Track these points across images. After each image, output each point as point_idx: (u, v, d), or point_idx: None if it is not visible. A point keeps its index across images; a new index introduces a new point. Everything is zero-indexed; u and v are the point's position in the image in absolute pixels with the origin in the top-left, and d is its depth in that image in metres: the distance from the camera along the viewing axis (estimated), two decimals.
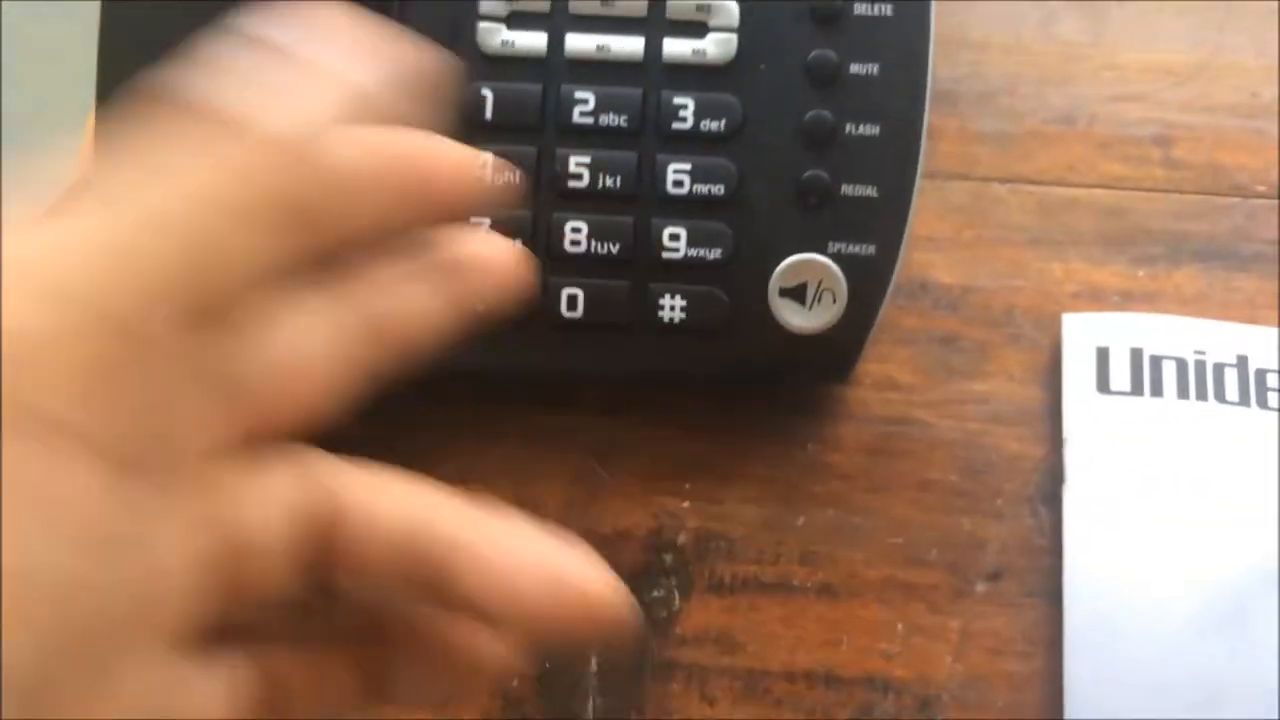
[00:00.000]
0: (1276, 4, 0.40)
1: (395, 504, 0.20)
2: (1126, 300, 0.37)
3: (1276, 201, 0.38)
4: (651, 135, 0.34)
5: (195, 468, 0.18)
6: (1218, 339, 0.35)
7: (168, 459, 0.17)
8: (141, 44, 0.30)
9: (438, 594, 0.20)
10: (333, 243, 0.20)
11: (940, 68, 0.39)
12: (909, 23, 0.34)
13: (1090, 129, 0.39)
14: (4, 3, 1.03)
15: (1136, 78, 0.40)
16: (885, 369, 0.36)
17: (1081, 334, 0.36)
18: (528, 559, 0.20)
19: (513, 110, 0.34)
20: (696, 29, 0.34)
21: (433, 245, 0.22)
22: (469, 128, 0.33)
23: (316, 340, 0.20)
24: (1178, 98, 0.40)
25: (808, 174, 0.33)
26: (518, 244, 0.22)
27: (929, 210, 0.38)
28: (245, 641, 0.19)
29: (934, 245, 0.38)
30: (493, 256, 0.22)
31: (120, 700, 0.16)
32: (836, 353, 0.34)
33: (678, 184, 0.33)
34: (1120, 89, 0.40)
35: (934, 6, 0.34)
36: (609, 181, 0.33)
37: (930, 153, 0.39)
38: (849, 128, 0.33)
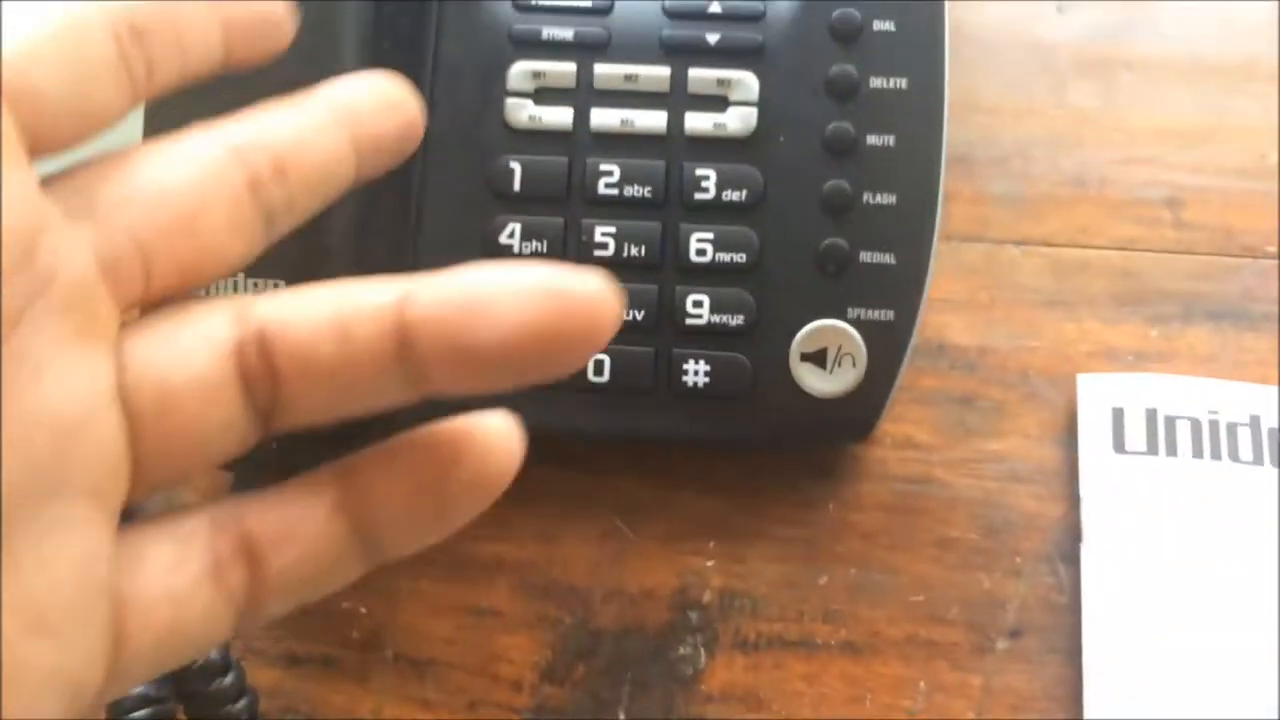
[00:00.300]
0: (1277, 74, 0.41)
1: (319, 299, 0.19)
2: (1140, 360, 0.38)
3: None
4: (675, 205, 0.35)
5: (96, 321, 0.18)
6: (1230, 399, 0.36)
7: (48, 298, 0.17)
8: None
9: (407, 376, 0.19)
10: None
11: (954, 132, 0.40)
12: (923, 94, 0.35)
13: (1101, 191, 0.40)
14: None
15: (1146, 141, 0.41)
16: (904, 429, 0.37)
17: (1096, 394, 0.36)
18: (483, 283, 0.18)
19: (540, 182, 0.35)
20: (717, 103, 0.35)
21: (326, 92, 0.21)
22: (497, 198, 0.35)
23: (201, 174, 0.19)
24: (1187, 160, 0.41)
25: (827, 242, 0.34)
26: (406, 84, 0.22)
27: (945, 272, 0.39)
28: (203, 509, 0.19)
29: (950, 307, 0.39)
30: (387, 94, 0.21)
31: (48, 569, 0.17)
32: (857, 416, 0.35)
33: (700, 253, 0.34)
34: (1130, 152, 0.41)
35: (948, 78, 0.35)
36: (634, 250, 0.34)
37: (945, 215, 0.40)
38: (867, 197, 0.34)
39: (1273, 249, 0.39)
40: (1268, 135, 0.41)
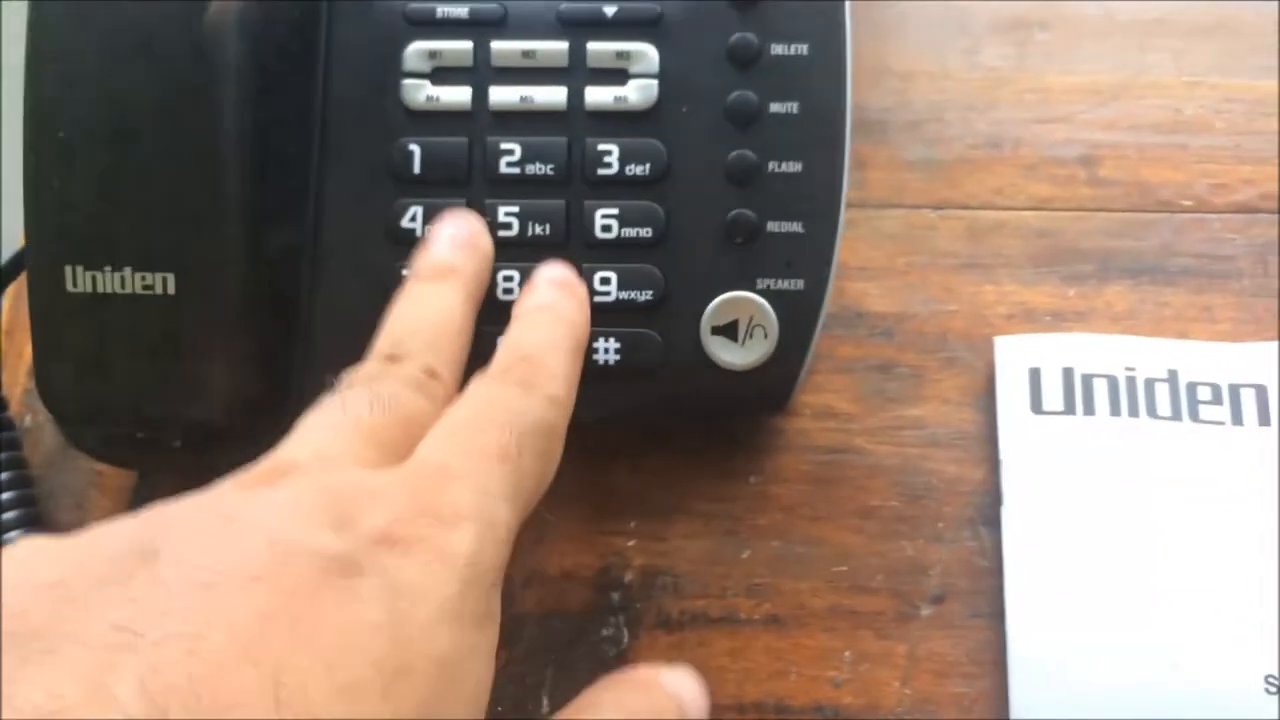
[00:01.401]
0: (1196, 23, 0.41)
1: None
2: (1058, 320, 0.38)
3: (1200, 216, 0.39)
4: (578, 182, 0.34)
5: None
6: (1147, 355, 0.36)
7: None
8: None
9: None
10: None
11: (868, 98, 0.40)
12: (825, 59, 0.34)
13: (1016, 152, 0.40)
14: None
15: (1060, 100, 0.41)
16: (823, 399, 0.37)
17: (1014, 356, 0.36)
18: None
19: (440, 164, 0.34)
20: (617, 76, 0.34)
21: None
22: (397, 182, 0.34)
23: None
24: (1101, 118, 0.40)
25: (734, 213, 0.34)
26: None
27: (862, 240, 0.39)
28: None
29: (868, 274, 0.39)
30: None
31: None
32: (772, 387, 0.34)
33: (606, 229, 0.34)
34: (1044, 112, 0.41)
35: (850, 43, 0.35)
36: (538, 229, 0.34)
37: (861, 182, 0.40)
38: (772, 165, 0.34)
39: (1188, 203, 0.39)
40: (1181, 89, 0.41)
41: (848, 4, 0.35)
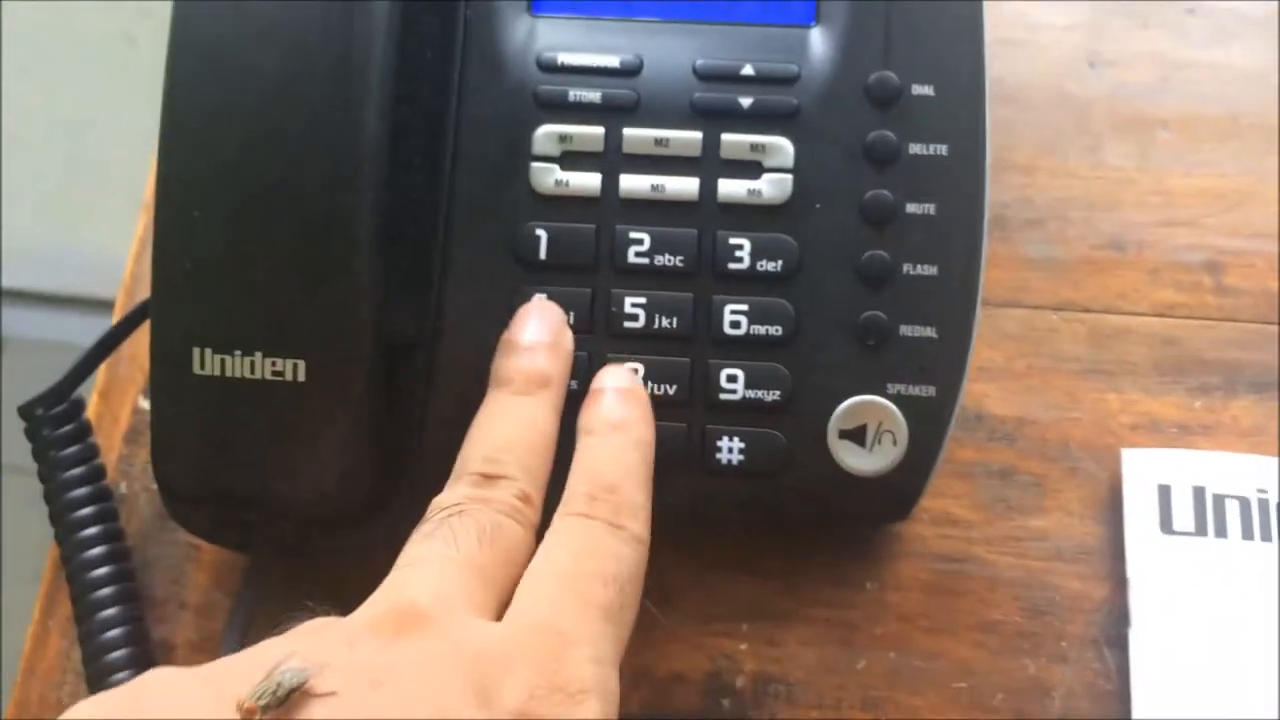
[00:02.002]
0: None
1: None
2: (1184, 433, 0.37)
3: None
4: (707, 276, 0.33)
5: None
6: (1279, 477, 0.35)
7: None
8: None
9: None
10: None
11: (991, 197, 0.39)
12: (964, 161, 0.34)
13: (1140, 255, 0.39)
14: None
15: (1184, 202, 0.40)
16: (942, 504, 0.36)
17: (1142, 471, 0.35)
18: None
19: (567, 250, 0.33)
20: (751, 169, 0.34)
21: None
22: (523, 267, 0.33)
23: None
24: (1226, 223, 0.40)
25: (866, 314, 0.33)
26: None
27: (981, 338, 0.38)
28: None
29: (988, 375, 0.38)
30: None
31: None
32: (897, 494, 0.33)
33: (734, 325, 0.33)
34: (1168, 214, 0.40)
35: (989, 144, 0.34)
36: (665, 322, 0.33)
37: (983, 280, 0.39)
38: (906, 267, 0.33)
39: None
40: None
41: (987, 104, 0.34)
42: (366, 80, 0.31)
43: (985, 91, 0.34)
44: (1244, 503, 0.34)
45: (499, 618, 0.26)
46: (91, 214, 1.05)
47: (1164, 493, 0.35)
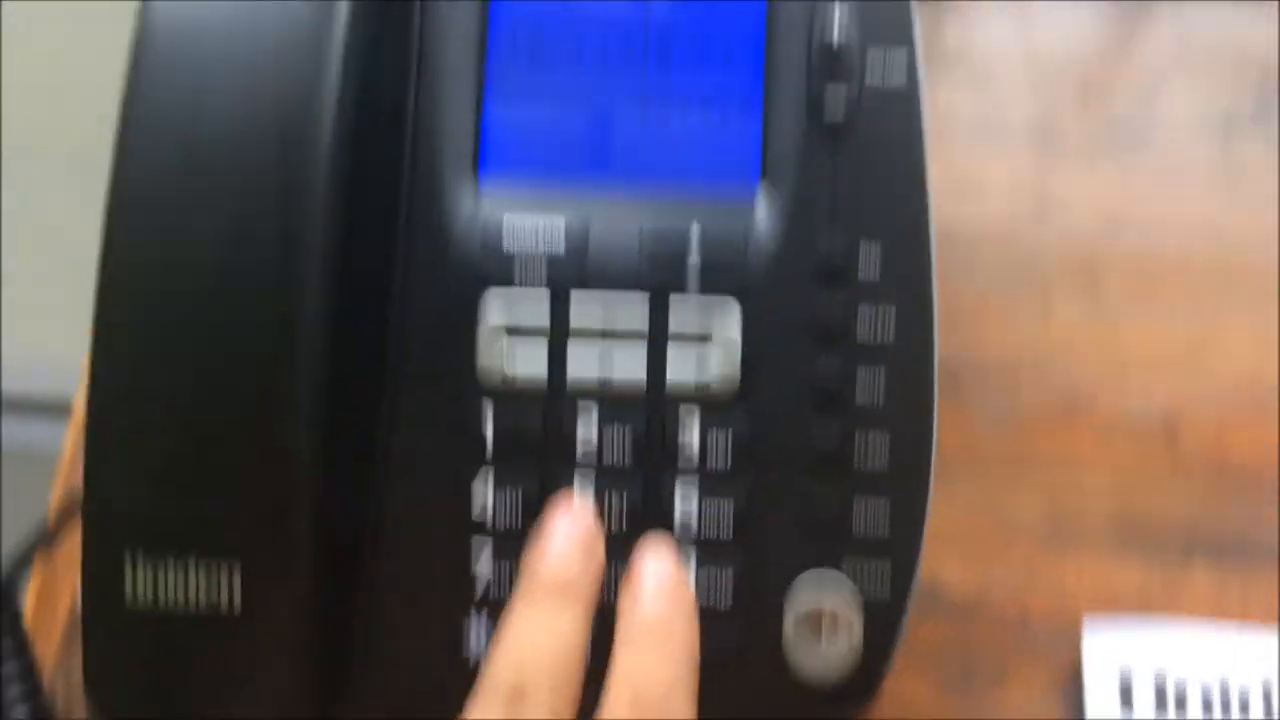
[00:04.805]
0: (1273, 283, 0.40)
1: None
2: (1143, 601, 0.36)
3: None
4: (655, 468, 0.32)
5: None
6: (1240, 650, 0.34)
7: None
8: None
9: None
10: None
11: (940, 346, 0.39)
12: (913, 320, 0.33)
13: (1093, 413, 0.39)
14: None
15: (1136, 354, 0.40)
16: (900, 684, 0.35)
17: (1102, 649, 0.35)
18: None
19: (513, 439, 0.32)
20: (699, 349, 0.33)
21: None
22: (468, 455, 0.32)
23: None
24: (1179, 376, 0.39)
25: (818, 504, 0.32)
26: None
27: (936, 503, 0.38)
28: None
29: (943, 544, 0.37)
30: None
31: None
32: (855, 685, 0.32)
33: (685, 516, 0.32)
34: (1120, 367, 0.40)
35: (936, 317, 0.33)
36: (614, 525, 0.32)
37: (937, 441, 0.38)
38: (859, 438, 0.32)
39: (1270, 473, 0.38)
40: (1259, 348, 0.40)
41: (934, 259, 0.34)
42: (309, 254, 0.30)
43: (933, 247, 0.34)
44: (1205, 685, 0.34)
45: None
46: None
47: (1125, 672, 0.34)
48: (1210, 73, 0.44)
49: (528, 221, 0.33)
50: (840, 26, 0.34)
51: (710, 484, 0.32)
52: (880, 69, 0.34)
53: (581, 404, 0.33)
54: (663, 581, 0.29)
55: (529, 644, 0.28)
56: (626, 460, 0.32)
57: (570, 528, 0.30)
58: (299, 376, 0.30)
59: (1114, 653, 0.35)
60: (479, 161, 0.34)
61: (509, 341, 0.33)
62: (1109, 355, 0.40)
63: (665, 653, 0.28)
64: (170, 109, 0.28)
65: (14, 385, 1.09)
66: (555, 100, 0.34)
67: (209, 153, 0.28)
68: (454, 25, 0.34)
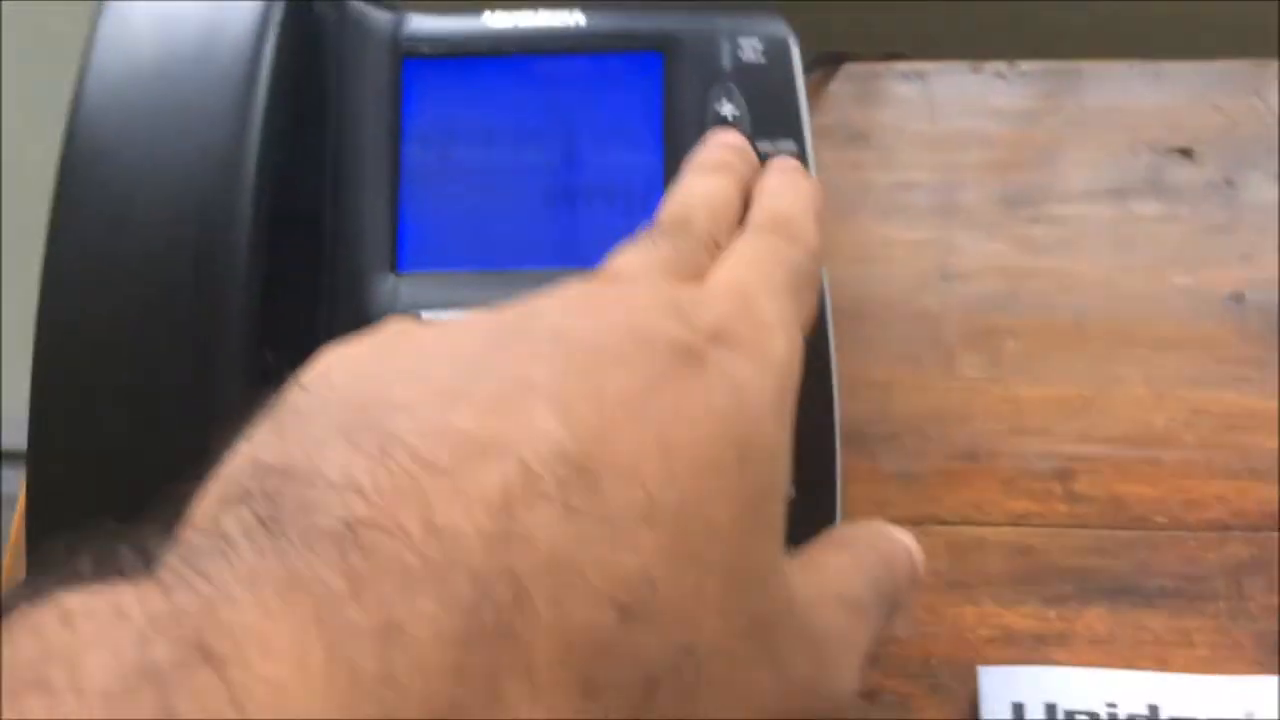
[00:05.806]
0: (1162, 336, 0.43)
1: None
2: (1039, 644, 0.38)
3: (1175, 533, 0.40)
4: None
5: None
6: (1128, 689, 0.36)
7: None
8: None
9: None
10: None
11: (847, 409, 0.41)
12: (814, 384, 0.35)
13: (993, 465, 0.41)
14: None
15: (1033, 410, 0.42)
16: None
17: (997, 689, 0.37)
18: None
19: None
20: None
21: None
22: None
23: None
24: (1074, 430, 0.42)
25: None
26: None
27: None
28: None
29: None
30: None
31: None
32: None
33: None
34: (1018, 423, 0.42)
35: (839, 394, 0.36)
36: None
37: (844, 497, 0.40)
38: None
39: (1163, 519, 0.40)
40: (1151, 400, 0.42)
41: (830, 327, 0.36)
42: (228, 355, 0.32)
43: (829, 320, 0.36)
44: (1094, 717, 0.36)
45: None
46: None
47: (1018, 709, 0.36)
48: (1105, 141, 0.47)
49: (445, 316, 0.36)
50: (733, 118, 0.37)
51: None
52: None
53: None
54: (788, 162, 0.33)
55: (692, 192, 0.31)
56: None
57: (727, 136, 0.33)
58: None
59: (1008, 692, 0.36)
60: (397, 257, 0.36)
61: None
62: (1007, 411, 0.42)
63: (799, 189, 0.31)
64: (91, 221, 0.31)
65: (15, 439, 1.10)
66: (469, 194, 0.37)
67: (129, 263, 0.31)
68: (368, 124, 0.37)
